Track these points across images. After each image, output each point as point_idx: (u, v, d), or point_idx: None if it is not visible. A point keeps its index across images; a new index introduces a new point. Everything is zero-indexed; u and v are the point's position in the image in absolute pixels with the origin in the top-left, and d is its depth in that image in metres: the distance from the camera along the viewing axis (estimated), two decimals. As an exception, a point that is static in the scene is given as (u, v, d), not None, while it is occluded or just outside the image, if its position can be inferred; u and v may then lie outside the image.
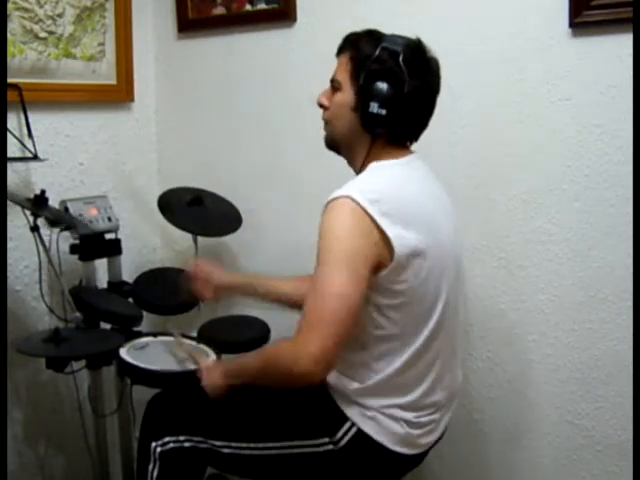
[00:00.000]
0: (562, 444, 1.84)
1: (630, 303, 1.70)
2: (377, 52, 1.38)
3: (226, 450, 1.49)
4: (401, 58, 1.37)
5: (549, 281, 1.81)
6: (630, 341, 1.70)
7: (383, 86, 1.37)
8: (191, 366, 1.67)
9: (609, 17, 1.64)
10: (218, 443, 1.49)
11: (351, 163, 1.51)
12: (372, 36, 1.43)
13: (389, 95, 1.37)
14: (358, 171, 1.48)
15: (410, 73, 1.37)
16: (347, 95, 1.44)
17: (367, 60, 1.39)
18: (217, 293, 1.77)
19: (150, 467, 1.52)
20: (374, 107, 1.38)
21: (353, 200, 1.32)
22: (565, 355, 1.81)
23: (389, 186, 1.39)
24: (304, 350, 1.28)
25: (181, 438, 1.51)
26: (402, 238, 1.32)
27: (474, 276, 1.88)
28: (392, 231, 1.31)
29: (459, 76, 1.84)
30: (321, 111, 1.51)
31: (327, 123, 1.51)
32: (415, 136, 1.48)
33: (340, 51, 1.47)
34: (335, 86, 1.47)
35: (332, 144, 1.52)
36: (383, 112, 1.38)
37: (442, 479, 2.02)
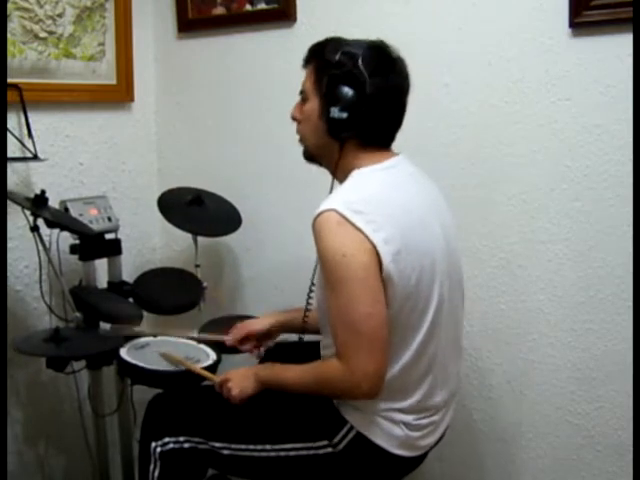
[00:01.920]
0: (562, 444, 1.84)
1: (630, 303, 1.70)
2: (337, 57, 1.39)
3: (226, 451, 1.49)
4: (360, 60, 1.37)
5: (549, 281, 1.81)
6: (630, 341, 1.70)
7: (343, 90, 1.37)
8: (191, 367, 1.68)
9: (609, 17, 1.63)
10: (218, 444, 1.49)
11: (331, 172, 1.51)
12: (334, 43, 1.44)
13: (350, 98, 1.37)
14: (336, 178, 1.48)
15: (371, 73, 1.36)
16: (313, 104, 1.45)
17: (328, 67, 1.40)
18: (261, 342, 1.74)
19: (151, 468, 1.52)
20: (334, 112, 1.39)
21: (337, 212, 1.32)
22: (565, 355, 1.81)
23: (373, 193, 1.39)
24: (361, 376, 1.32)
25: (181, 439, 1.51)
26: (386, 243, 1.31)
27: (474, 276, 1.88)
28: (376, 237, 1.31)
29: (459, 76, 1.84)
30: None
31: (301, 137, 1.52)
32: (389, 137, 1.47)
33: (306, 62, 1.48)
34: (303, 97, 1.48)
35: (309, 156, 1.53)
36: (344, 115, 1.38)
37: (442, 479, 2.02)
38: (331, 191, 1.47)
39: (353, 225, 1.31)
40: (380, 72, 1.38)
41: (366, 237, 1.30)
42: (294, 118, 1.52)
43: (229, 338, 1.75)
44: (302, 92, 1.49)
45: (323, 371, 1.40)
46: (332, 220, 1.32)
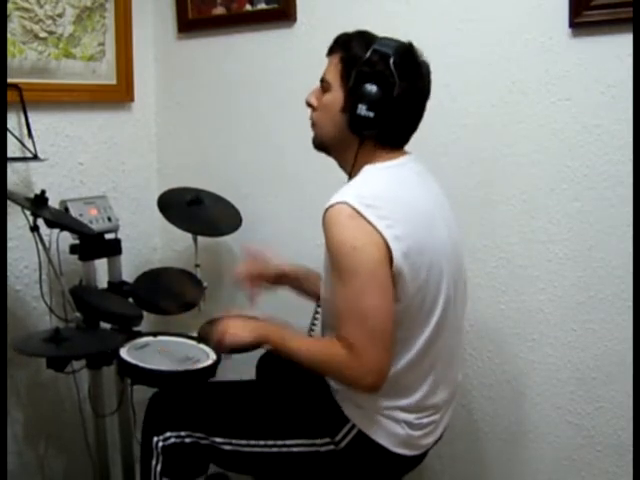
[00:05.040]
0: (562, 444, 1.84)
1: (630, 303, 1.70)
2: (368, 54, 1.38)
3: (227, 447, 1.49)
4: (392, 61, 1.37)
5: (549, 281, 1.81)
6: (630, 341, 1.70)
7: (372, 88, 1.37)
8: (191, 366, 1.68)
9: (609, 17, 1.64)
10: (219, 440, 1.49)
11: (341, 165, 1.52)
12: (364, 38, 1.43)
13: (378, 98, 1.37)
14: (349, 173, 1.48)
15: (400, 76, 1.37)
16: (336, 96, 1.44)
17: (357, 62, 1.40)
18: (265, 282, 1.73)
19: (153, 462, 1.52)
20: (362, 109, 1.38)
21: (349, 205, 1.33)
22: (565, 355, 1.81)
23: (384, 189, 1.39)
24: (368, 367, 1.32)
25: (182, 434, 1.51)
26: (398, 240, 1.32)
27: (474, 276, 1.88)
28: (388, 233, 1.31)
29: (459, 76, 1.84)
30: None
31: (314, 124, 1.51)
32: (405, 139, 1.48)
33: (331, 51, 1.48)
34: (324, 86, 1.47)
35: (320, 145, 1.52)
36: (371, 114, 1.38)
37: (442, 479, 2.02)
38: (349, 179, 1.46)
39: (365, 219, 1.31)
40: (408, 76, 1.39)
41: (378, 232, 1.31)
42: (310, 104, 1.51)
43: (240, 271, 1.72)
44: (323, 81, 1.48)
45: (333, 353, 1.37)
46: (344, 213, 1.33)
